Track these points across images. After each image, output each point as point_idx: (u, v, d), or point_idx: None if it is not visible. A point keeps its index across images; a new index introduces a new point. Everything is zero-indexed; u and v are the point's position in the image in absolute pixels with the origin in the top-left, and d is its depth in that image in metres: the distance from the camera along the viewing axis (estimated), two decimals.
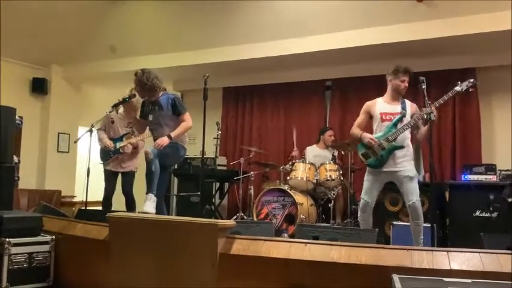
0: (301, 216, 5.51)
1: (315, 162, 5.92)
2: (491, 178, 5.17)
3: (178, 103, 4.24)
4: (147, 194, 4.01)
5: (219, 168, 6.76)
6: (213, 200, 6.82)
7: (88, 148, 5.15)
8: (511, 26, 4.96)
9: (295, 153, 6.29)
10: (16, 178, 5.18)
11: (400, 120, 4.02)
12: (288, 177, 5.92)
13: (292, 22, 6.08)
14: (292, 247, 2.82)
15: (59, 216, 4.33)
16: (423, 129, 4.04)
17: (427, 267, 2.48)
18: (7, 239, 3.46)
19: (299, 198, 5.64)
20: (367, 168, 4.16)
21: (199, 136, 4.36)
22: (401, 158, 3.99)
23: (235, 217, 6.14)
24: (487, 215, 4.93)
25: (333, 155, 6.14)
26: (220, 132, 6.66)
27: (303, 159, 6.06)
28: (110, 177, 5.17)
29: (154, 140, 4.23)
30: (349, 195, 5.70)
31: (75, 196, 7.72)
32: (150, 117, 4.26)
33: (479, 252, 2.51)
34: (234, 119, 7.89)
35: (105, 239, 3.43)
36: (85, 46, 7.53)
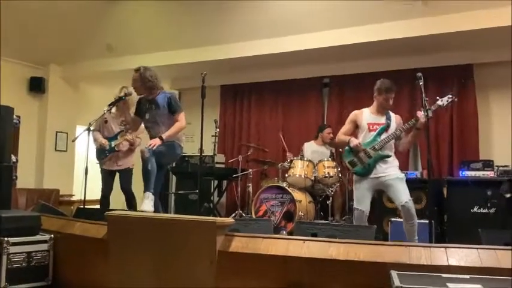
0: (300, 213, 5.52)
1: (312, 159, 5.93)
2: (489, 174, 5.19)
3: (174, 102, 4.26)
4: (144, 192, 4.02)
5: (217, 166, 6.75)
6: (212, 198, 6.83)
7: (86, 147, 5.15)
8: (508, 23, 4.97)
9: (289, 155, 6.31)
10: (14, 177, 5.19)
11: (385, 130, 4.11)
12: (286, 175, 5.92)
13: (290, 19, 6.08)
14: (290, 244, 2.83)
15: (58, 215, 4.33)
16: (404, 139, 4.15)
17: (425, 263, 2.48)
18: (5, 238, 3.45)
19: (297, 195, 5.65)
20: (354, 176, 4.22)
21: (197, 134, 4.36)
22: (388, 164, 4.06)
23: (233, 215, 6.15)
24: (485, 211, 4.94)
25: (331, 152, 6.14)
26: (218, 130, 6.65)
27: (301, 156, 6.06)
28: (107, 177, 5.17)
29: (151, 138, 4.24)
30: (347, 192, 5.71)
31: (73, 195, 7.72)
32: (147, 116, 4.26)
33: (477, 248, 2.52)
34: (232, 116, 7.89)
35: (103, 238, 3.43)
36: (82, 45, 7.52)
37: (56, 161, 7.94)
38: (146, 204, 3.93)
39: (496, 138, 6.04)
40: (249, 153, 6.68)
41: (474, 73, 6.10)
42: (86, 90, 8.57)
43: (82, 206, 5.12)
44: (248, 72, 7.35)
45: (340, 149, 6.14)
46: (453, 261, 2.46)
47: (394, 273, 2.26)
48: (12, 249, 3.47)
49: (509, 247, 2.52)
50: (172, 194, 7.28)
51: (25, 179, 7.24)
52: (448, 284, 2.11)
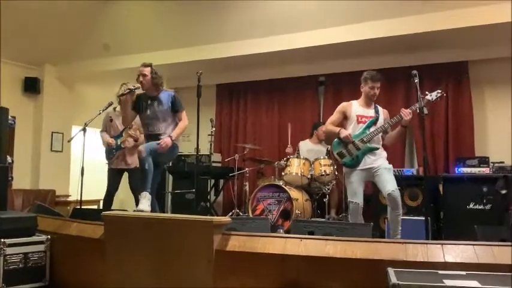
0: (297, 211, 5.52)
1: (308, 157, 5.93)
2: (485, 170, 5.21)
3: (178, 100, 4.30)
4: (141, 192, 4.02)
5: (213, 165, 6.75)
6: (208, 197, 6.83)
7: (82, 147, 5.13)
8: (503, 19, 4.99)
9: (289, 149, 6.30)
10: (10, 178, 5.17)
11: (374, 123, 4.20)
12: (283, 173, 5.92)
13: (285, 18, 6.08)
14: (287, 243, 2.83)
15: (54, 216, 4.32)
16: (391, 133, 4.24)
17: (422, 260, 2.50)
18: (2, 240, 3.45)
19: (294, 193, 5.65)
20: (345, 169, 4.31)
21: (194, 133, 4.36)
22: (377, 156, 4.16)
23: (230, 214, 6.14)
24: (481, 207, 4.96)
25: (327, 150, 6.15)
26: (214, 129, 6.65)
27: (297, 155, 6.07)
28: (115, 175, 5.14)
29: (148, 134, 4.23)
30: (344, 189, 5.71)
31: (69, 195, 7.70)
32: (148, 112, 4.24)
33: (473, 245, 2.53)
34: (228, 115, 7.88)
35: (100, 238, 3.43)
36: (77, 45, 7.49)
37: (52, 161, 7.91)
38: (143, 203, 3.92)
39: (491, 134, 6.06)
40: (245, 152, 6.68)
41: (469, 70, 6.12)
42: (81, 90, 8.54)
43: (78, 207, 5.11)
44: (244, 71, 7.35)
45: (329, 147, 6.19)
46: (449, 258, 2.48)
47: (391, 271, 2.27)
48: (9, 250, 3.47)
49: (505, 243, 2.54)
50: (169, 194, 7.26)
51: (21, 179, 7.21)
52: (444, 281, 2.12)
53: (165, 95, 4.29)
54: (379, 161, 4.13)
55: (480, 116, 6.11)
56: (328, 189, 5.76)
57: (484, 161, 5.31)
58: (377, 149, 4.15)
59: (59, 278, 3.69)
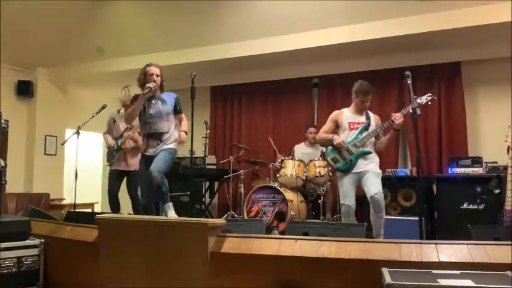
0: (292, 213, 5.53)
1: (303, 160, 5.95)
2: (478, 170, 5.24)
3: (180, 102, 4.34)
4: (165, 204, 4.15)
5: (208, 167, 6.74)
6: (203, 199, 6.82)
7: (75, 150, 5.12)
8: (495, 20, 5.02)
9: (279, 156, 6.33)
10: (3, 182, 5.13)
11: (366, 128, 4.29)
12: (278, 175, 5.93)
13: (279, 20, 6.08)
14: (282, 244, 2.84)
15: (48, 220, 4.30)
16: (383, 138, 4.35)
17: (416, 260, 2.51)
18: None
19: (289, 195, 5.66)
20: (337, 172, 4.39)
21: (188, 135, 4.35)
22: (369, 160, 4.25)
23: (225, 216, 6.14)
24: (474, 207, 4.99)
25: (321, 151, 6.16)
26: (209, 131, 6.65)
27: (292, 156, 6.08)
28: (115, 177, 5.12)
29: (152, 133, 4.18)
30: (338, 191, 5.72)
31: (63, 199, 7.66)
32: (152, 111, 4.21)
33: (467, 244, 2.54)
34: (222, 117, 7.89)
35: (94, 241, 3.41)
36: (71, 48, 7.46)
37: (46, 165, 7.87)
38: (171, 212, 4.13)
39: (484, 135, 6.11)
40: (240, 154, 6.68)
41: (462, 71, 6.15)
42: (74, 93, 8.50)
43: (72, 210, 5.09)
44: (238, 73, 7.35)
45: (323, 149, 6.21)
46: (443, 257, 2.49)
47: (385, 271, 2.27)
48: (3, 254, 3.44)
49: (498, 242, 2.55)
50: None
51: (15, 183, 7.16)
52: (438, 280, 2.13)
53: (169, 96, 4.30)
54: (370, 166, 4.21)
55: (473, 116, 6.15)
56: (323, 190, 5.77)
57: (477, 161, 5.35)
58: (370, 153, 4.23)
59: (53, 282, 3.67)
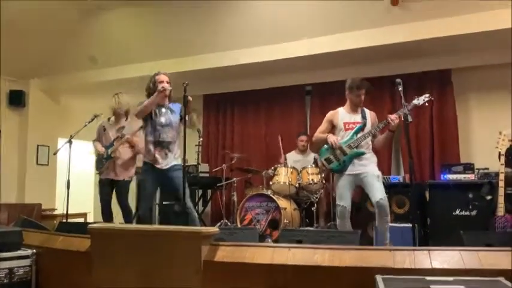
0: (285, 220, 5.53)
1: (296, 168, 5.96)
2: (470, 177, 5.27)
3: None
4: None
5: (201, 175, 6.73)
6: (196, 208, 6.79)
7: (68, 160, 5.08)
8: (485, 28, 5.09)
9: (282, 160, 6.31)
10: None
11: (361, 129, 4.25)
12: (271, 182, 5.93)
13: (271, 29, 6.12)
14: (276, 252, 2.83)
15: (40, 230, 4.26)
16: (380, 137, 4.30)
17: (410, 267, 2.51)
18: None
19: (282, 203, 5.66)
20: (334, 174, 4.37)
21: (181, 143, 4.35)
22: (366, 161, 4.20)
23: (219, 224, 6.13)
24: (467, 213, 5.01)
25: (314, 158, 6.18)
26: (201, 139, 6.64)
27: (285, 164, 6.09)
28: (105, 186, 5.07)
29: (159, 141, 4.18)
30: (332, 198, 5.73)
31: (55, 209, 7.61)
32: (162, 119, 4.23)
33: (459, 250, 2.55)
34: (215, 125, 7.89)
35: (87, 251, 3.39)
36: (63, 58, 7.45)
37: (38, 174, 7.82)
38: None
39: (475, 141, 6.15)
40: (233, 162, 6.68)
41: (452, 78, 6.21)
42: (67, 102, 8.48)
43: (64, 220, 5.05)
44: (230, 81, 7.37)
45: (315, 156, 6.21)
46: (436, 264, 2.49)
47: (379, 278, 2.27)
48: None
49: (491, 248, 2.56)
50: (157, 206, 7.21)
51: (7, 194, 7.12)
52: (432, 287, 2.13)
53: (176, 106, 4.33)
54: (368, 167, 4.17)
55: (464, 123, 6.20)
56: (316, 197, 5.78)
57: (469, 167, 5.37)
58: (363, 153, 4.18)
59: None
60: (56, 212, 7.48)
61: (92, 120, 5.21)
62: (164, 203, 6.87)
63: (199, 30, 6.52)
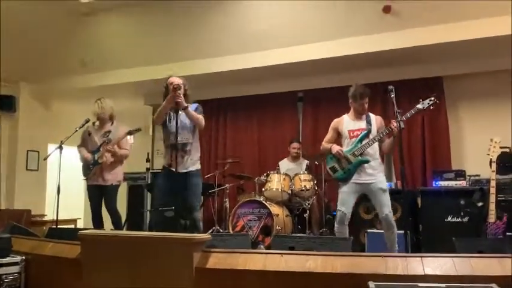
0: (277, 227, 5.51)
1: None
2: (461, 183, 5.30)
3: (200, 109, 4.37)
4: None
5: None
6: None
7: (58, 165, 5.03)
8: (476, 35, 5.14)
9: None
10: None
11: (366, 135, 4.20)
12: (263, 189, 5.92)
13: (262, 35, 6.13)
14: (268, 259, 2.81)
15: (29, 236, 4.21)
16: (387, 141, 4.24)
17: (402, 273, 2.50)
18: None
19: (275, 209, 5.64)
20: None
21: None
22: (374, 170, 4.14)
23: (211, 230, 6.09)
24: (459, 219, 5.03)
25: (306, 165, 6.18)
26: None
27: (277, 170, 6.08)
28: (93, 192, 5.02)
29: (176, 143, 4.10)
30: (324, 204, 5.73)
31: (45, 215, 7.54)
32: (177, 122, 4.15)
33: (451, 257, 2.55)
34: (207, 132, 7.85)
35: (77, 258, 3.35)
36: (54, 62, 7.40)
37: (27, 180, 7.75)
38: None
39: (467, 148, 6.19)
40: (225, 168, 6.66)
41: (444, 85, 6.25)
42: (58, 107, 8.43)
43: (54, 226, 4.99)
44: (223, 87, 7.37)
45: (307, 163, 6.20)
46: (429, 271, 2.49)
47: (371, 284, 2.27)
48: None
49: (482, 254, 2.57)
50: (148, 212, 7.16)
51: None
52: None
53: (192, 107, 4.28)
54: (375, 177, 4.11)
55: (456, 130, 6.24)
56: (309, 204, 5.77)
57: (460, 174, 5.40)
58: (367, 161, 4.13)
59: None
60: (45, 218, 7.42)
61: (83, 125, 5.17)
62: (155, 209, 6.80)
63: (191, 36, 6.52)
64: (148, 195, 7.27)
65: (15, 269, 3.55)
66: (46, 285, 3.57)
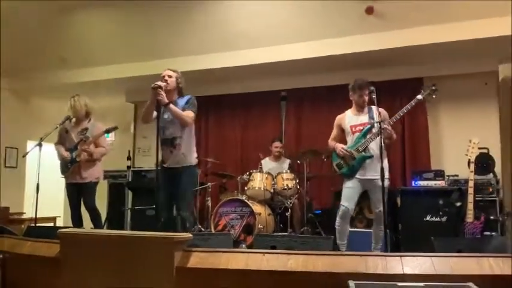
0: (259, 226, 5.52)
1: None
2: (440, 183, 5.37)
3: (191, 102, 4.24)
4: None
5: None
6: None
7: (37, 163, 4.96)
8: (458, 37, 5.21)
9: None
10: None
11: (370, 130, 4.22)
12: (246, 187, 5.91)
13: (247, 34, 6.13)
14: (250, 258, 2.81)
15: (7, 234, 4.14)
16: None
17: (382, 272, 2.53)
18: None
19: (257, 208, 5.65)
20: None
21: (154, 148, 4.29)
22: (375, 166, 4.12)
23: (192, 229, 6.06)
24: (437, 219, 5.10)
25: (289, 164, 6.20)
26: None
27: (260, 169, 6.08)
28: (72, 190, 4.98)
29: (165, 138, 4.09)
30: (306, 203, 5.76)
31: (24, 213, 7.42)
32: (165, 115, 4.10)
33: (430, 256, 2.58)
34: None
35: (56, 256, 3.31)
36: (33, 57, 7.27)
37: (6, 177, 7.61)
38: None
39: (446, 148, 6.29)
40: (208, 167, 6.64)
41: (424, 86, 6.31)
42: (37, 103, 8.30)
43: (33, 224, 4.92)
44: (206, 85, 7.32)
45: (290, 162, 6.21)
46: (408, 270, 2.52)
47: (351, 283, 2.28)
48: None
49: (461, 254, 2.61)
50: (129, 210, 7.11)
51: None
52: None
53: (183, 100, 4.22)
54: (378, 174, 3.99)
55: (435, 131, 6.33)
56: (291, 203, 5.78)
57: (439, 174, 5.48)
58: (370, 157, 4.16)
59: None
60: (24, 216, 7.32)
61: (64, 122, 5.10)
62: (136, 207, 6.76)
63: (173, 33, 6.48)
64: (130, 194, 7.21)
65: None
66: (24, 284, 3.51)
